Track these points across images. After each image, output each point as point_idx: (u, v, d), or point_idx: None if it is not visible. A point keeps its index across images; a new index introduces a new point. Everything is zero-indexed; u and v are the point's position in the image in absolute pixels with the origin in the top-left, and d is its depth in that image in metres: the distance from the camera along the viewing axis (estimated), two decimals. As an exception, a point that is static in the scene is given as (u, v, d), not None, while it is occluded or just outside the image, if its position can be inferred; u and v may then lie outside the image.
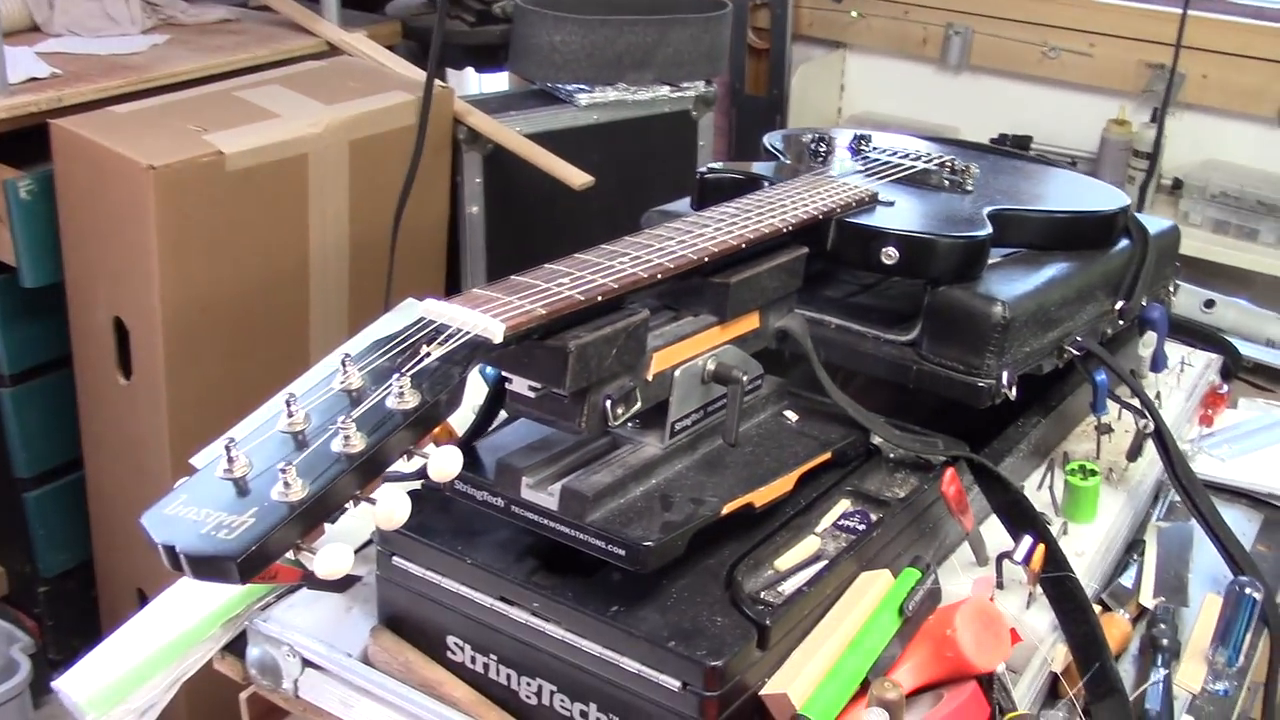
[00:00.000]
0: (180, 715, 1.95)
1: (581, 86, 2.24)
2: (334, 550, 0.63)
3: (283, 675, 1.03)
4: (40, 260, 1.79)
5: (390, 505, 0.66)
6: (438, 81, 2.00)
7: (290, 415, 0.68)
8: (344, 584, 1.07)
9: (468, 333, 0.75)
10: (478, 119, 2.06)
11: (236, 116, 1.78)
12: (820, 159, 1.36)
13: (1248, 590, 1.09)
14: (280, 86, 1.91)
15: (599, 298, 0.83)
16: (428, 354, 0.73)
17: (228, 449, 0.65)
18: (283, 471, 0.63)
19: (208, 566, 0.61)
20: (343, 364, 0.71)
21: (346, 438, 0.66)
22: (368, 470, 0.67)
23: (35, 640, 2.02)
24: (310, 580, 0.72)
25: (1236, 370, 1.62)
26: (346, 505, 0.67)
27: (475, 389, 0.94)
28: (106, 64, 1.92)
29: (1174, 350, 1.55)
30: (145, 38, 2.06)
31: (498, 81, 2.67)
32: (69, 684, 1.01)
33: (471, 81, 2.79)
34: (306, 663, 1.03)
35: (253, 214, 1.75)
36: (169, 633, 1.04)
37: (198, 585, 0.85)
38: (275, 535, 0.62)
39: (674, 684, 0.85)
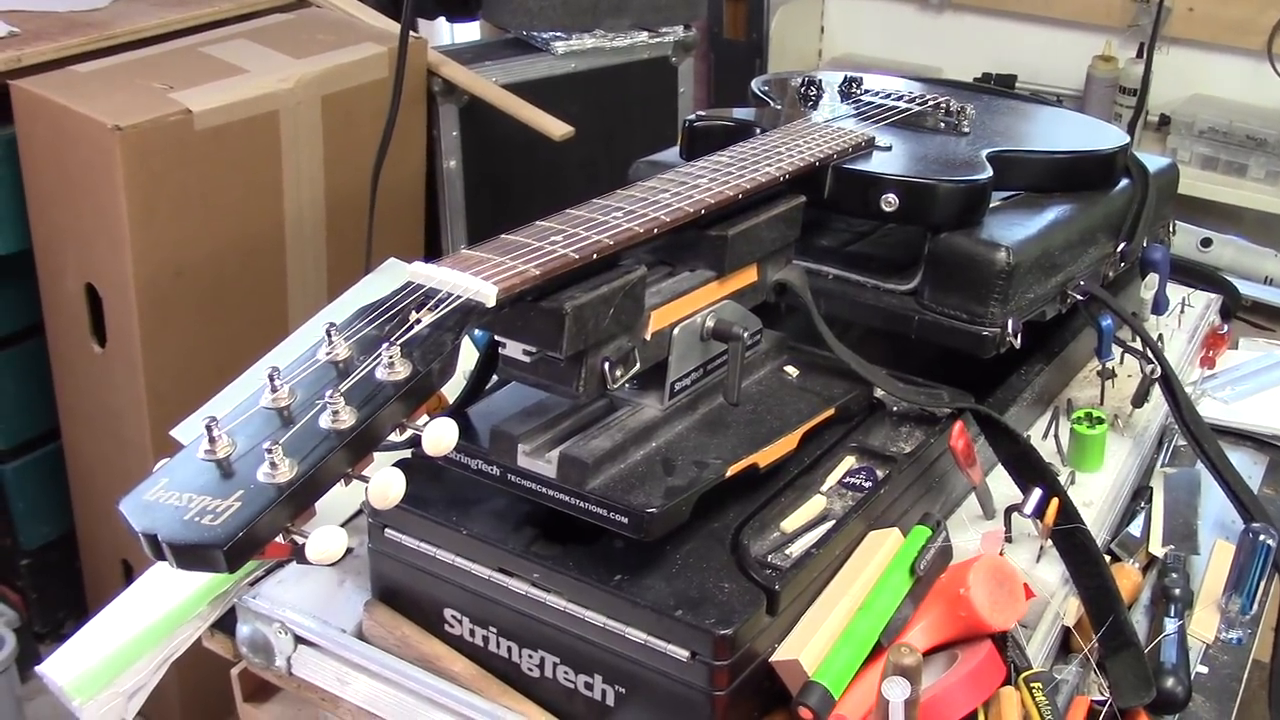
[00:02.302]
0: (171, 692, 1.93)
1: (557, 34, 2.19)
2: (327, 533, 0.60)
3: (275, 653, 1.00)
4: (6, 227, 1.73)
5: (385, 484, 0.62)
6: (410, 33, 1.94)
7: (274, 390, 0.64)
8: (335, 557, 1.04)
9: (459, 297, 0.71)
10: (452, 70, 2.00)
11: (204, 73, 1.72)
12: (810, 103, 1.31)
13: (1262, 537, 1.07)
14: (248, 41, 1.85)
15: (595, 255, 0.79)
16: (418, 320, 0.69)
17: (209, 428, 0.61)
18: (269, 451, 0.59)
19: (192, 555, 0.57)
20: (328, 333, 0.67)
21: (335, 413, 0.62)
22: (359, 446, 0.63)
23: (20, 614, 1.98)
24: (300, 555, 0.68)
25: (1236, 310, 1.59)
26: (338, 484, 0.63)
27: (466, 354, 0.90)
28: (66, 21, 1.85)
29: (1174, 291, 1.52)
30: (106, -8, 1.99)
31: (470, 31, 2.61)
32: (53, 668, 0.98)
33: (444, 32, 2.73)
34: (299, 639, 0.99)
35: (224, 174, 1.70)
36: (155, 612, 1.01)
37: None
38: (264, 519, 0.58)
39: (682, 654, 0.82)
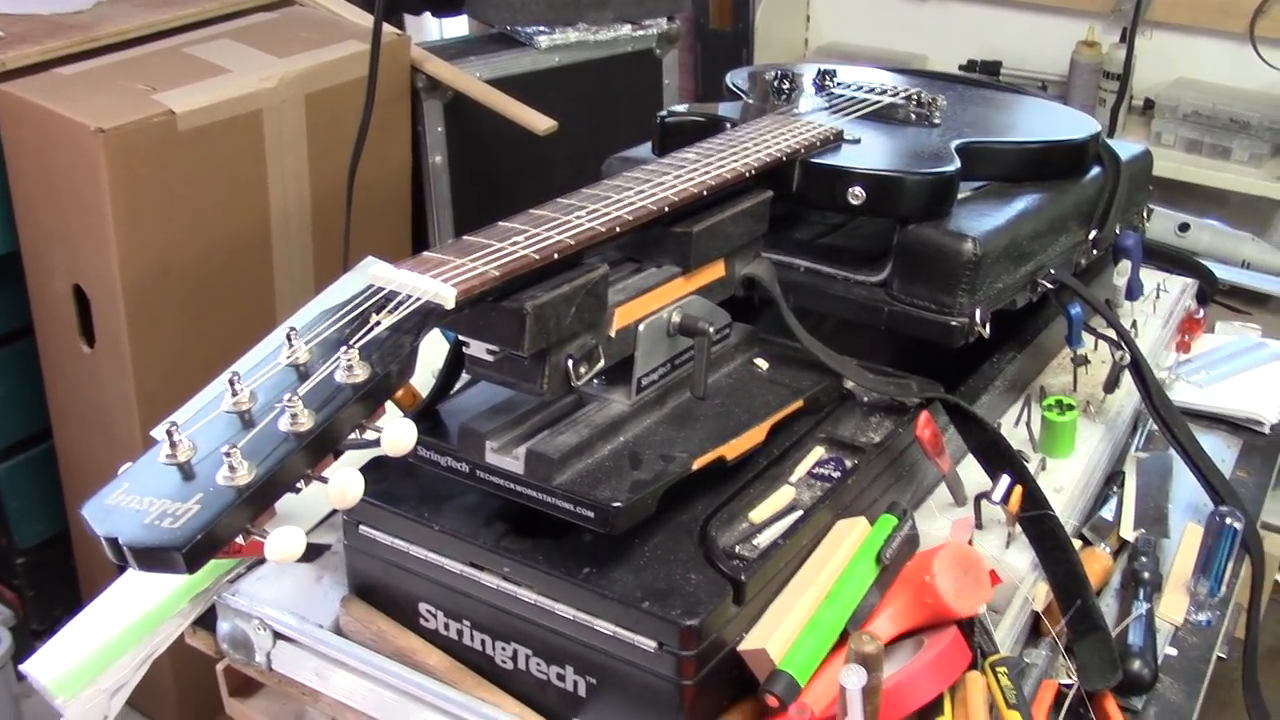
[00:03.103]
0: (167, 687, 1.95)
1: (541, 28, 2.19)
2: (284, 534, 0.61)
3: (254, 649, 1.02)
4: (-8, 229, 1.74)
5: (343, 484, 0.64)
6: (394, 29, 1.95)
7: (235, 394, 0.66)
8: (312, 554, 1.06)
9: (418, 299, 0.72)
10: (436, 66, 2.01)
11: (187, 74, 1.73)
12: (784, 97, 1.32)
13: (1228, 520, 1.08)
14: (231, 41, 1.86)
15: (555, 255, 0.80)
16: (377, 323, 0.70)
17: (170, 433, 0.63)
18: (227, 454, 0.61)
19: (152, 558, 0.58)
20: (288, 338, 0.68)
21: (294, 416, 0.64)
22: (318, 448, 0.64)
23: (16, 612, 2.00)
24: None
25: (1212, 294, 1.61)
26: (298, 485, 0.64)
27: (439, 351, 0.92)
28: (50, 24, 1.86)
29: (1149, 276, 1.53)
30: (89, -5, 2.00)
31: (458, 26, 2.61)
32: (37, 667, 0.99)
33: (431, 27, 2.73)
34: (278, 635, 1.01)
35: (209, 174, 1.71)
36: (136, 610, 1.02)
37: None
38: (222, 522, 0.59)
39: (650, 644, 0.84)
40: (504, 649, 0.93)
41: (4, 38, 1.79)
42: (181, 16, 1.94)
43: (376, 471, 0.96)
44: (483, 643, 0.94)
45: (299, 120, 1.81)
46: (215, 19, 1.96)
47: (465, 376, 0.95)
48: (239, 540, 0.61)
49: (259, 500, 0.61)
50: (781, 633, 0.88)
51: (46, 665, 0.99)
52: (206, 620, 1.05)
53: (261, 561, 1.05)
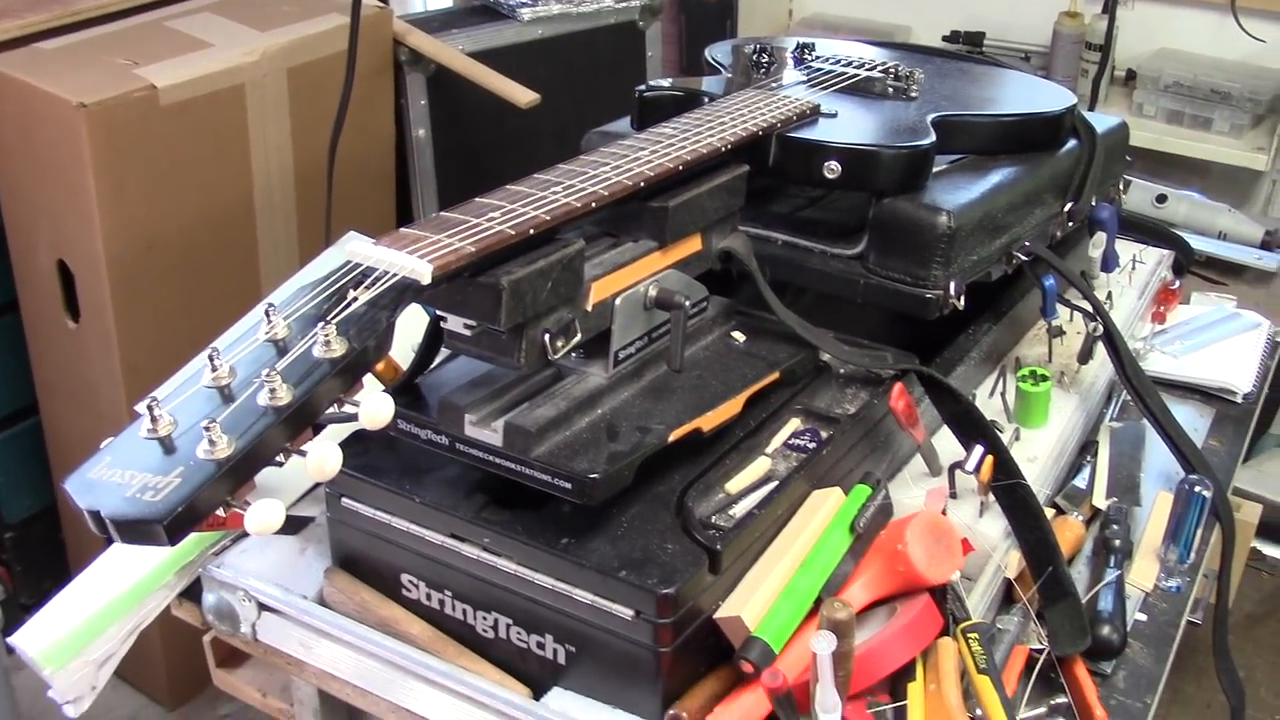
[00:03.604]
0: (157, 660, 1.97)
1: (524, 1, 2.19)
2: (264, 506, 0.62)
3: (240, 620, 1.03)
4: (-24, 205, 1.75)
5: (321, 457, 0.65)
6: (376, 2, 1.95)
7: (214, 369, 0.67)
8: (296, 526, 1.07)
9: (395, 275, 0.73)
10: (418, 39, 2.01)
11: (168, 48, 1.73)
12: (763, 70, 1.33)
13: (1197, 489, 1.10)
14: (212, 14, 1.86)
15: (531, 231, 0.81)
16: (355, 299, 0.71)
17: (150, 408, 0.64)
18: (207, 429, 0.62)
19: (134, 530, 0.60)
20: (267, 314, 0.69)
21: (272, 390, 0.65)
22: (296, 422, 0.65)
23: (6, 586, 2.01)
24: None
25: (1188, 265, 1.62)
26: (278, 459, 0.66)
27: (421, 325, 0.93)
28: (31, -2, 1.86)
29: (1125, 248, 1.54)
30: (70, -31, 2.00)
31: (441, -2, 2.61)
32: (24, 639, 1.01)
33: (414, 0, 2.73)
34: (263, 606, 1.02)
35: (192, 148, 1.71)
36: (123, 582, 1.04)
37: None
38: (203, 494, 0.61)
39: (627, 613, 0.86)
40: (485, 618, 0.94)
41: (-16, 12, 1.79)
42: (163, -10, 1.94)
43: (358, 445, 0.97)
44: (464, 612, 0.95)
45: (281, 94, 1.81)
46: (196, -8, 1.96)
47: (445, 351, 0.96)
48: (219, 513, 0.63)
49: (238, 473, 0.63)
50: (756, 601, 0.89)
51: (34, 637, 1.00)
52: (192, 592, 1.07)
53: (246, 534, 1.06)
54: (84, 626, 1.01)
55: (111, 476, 0.62)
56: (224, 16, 1.85)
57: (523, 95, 1.95)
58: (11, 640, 1.01)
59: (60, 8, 1.83)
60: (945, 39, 2.85)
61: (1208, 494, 1.10)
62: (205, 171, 1.74)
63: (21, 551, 2.06)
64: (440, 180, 2.16)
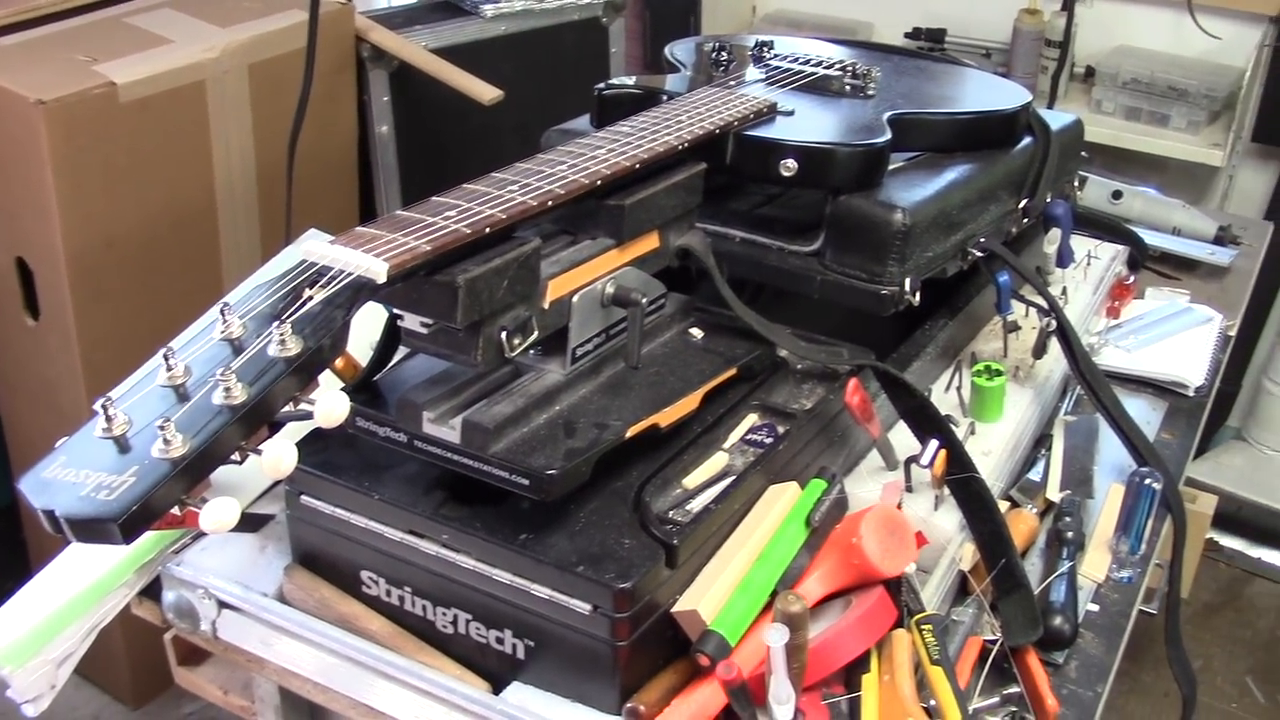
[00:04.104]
0: (120, 659, 1.96)
1: (487, -4, 2.20)
2: (219, 504, 0.63)
3: (200, 618, 1.03)
4: (-66, 202, 1.73)
5: (277, 455, 0.65)
6: (338, -2, 1.95)
7: (169, 369, 0.67)
8: (256, 524, 1.07)
9: (350, 274, 0.74)
10: (381, 35, 2.01)
11: (128, 44, 1.72)
12: (723, 68, 1.34)
13: (1147, 481, 1.12)
14: (172, 10, 1.85)
15: (486, 229, 0.82)
16: (310, 298, 0.72)
17: (105, 407, 0.64)
18: (161, 428, 0.62)
19: (89, 529, 0.60)
20: (222, 313, 0.70)
21: (228, 389, 0.65)
22: (251, 420, 0.66)
23: (-35, 586, 2.00)
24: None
25: (1143, 260, 1.65)
26: (234, 458, 0.66)
27: (379, 323, 0.93)
28: (-12, -6, 1.85)
29: (1081, 244, 1.56)
30: (28, -36, 1.98)
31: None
32: (-18, 638, 1.00)
33: (379, -6, 2.72)
34: (223, 604, 1.02)
35: (152, 145, 1.71)
36: (82, 581, 1.04)
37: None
38: (158, 493, 0.61)
39: (585, 607, 0.86)
40: (444, 614, 0.95)
41: (-59, 8, 1.78)
42: (122, -14, 1.93)
43: (317, 442, 0.97)
44: (423, 608, 0.96)
45: (242, 90, 1.81)
46: (156, -12, 1.95)
47: (404, 349, 0.97)
48: (175, 511, 0.63)
49: (193, 472, 0.63)
50: (713, 595, 0.90)
51: (-8, 636, 1.00)
52: (152, 590, 1.07)
53: (204, 533, 1.06)
54: (43, 625, 1.01)
55: (66, 476, 0.62)
56: (184, 13, 1.85)
57: (486, 91, 1.96)
58: (-31, 640, 1.00)
59: (19, 4, 1.82)
60: (907, 35, 2.86)
61: (1158, 486, 1.12)
62: (166, 168, 1.74)
63: (-18, 550, 2.05)
64: (403, 176, 2.16)
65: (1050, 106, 2.61)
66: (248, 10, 1.88)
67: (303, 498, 0.98)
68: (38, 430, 1.89)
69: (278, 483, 1.08)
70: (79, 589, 1.03)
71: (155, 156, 1.72)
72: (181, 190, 1.78)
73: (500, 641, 0.93)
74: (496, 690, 0.93)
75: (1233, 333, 1.60)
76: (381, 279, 0.74)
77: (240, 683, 1.12)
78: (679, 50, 1.42)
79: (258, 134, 1.85)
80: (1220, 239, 1.78)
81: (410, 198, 2.18)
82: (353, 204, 2.11)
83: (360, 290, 0.73)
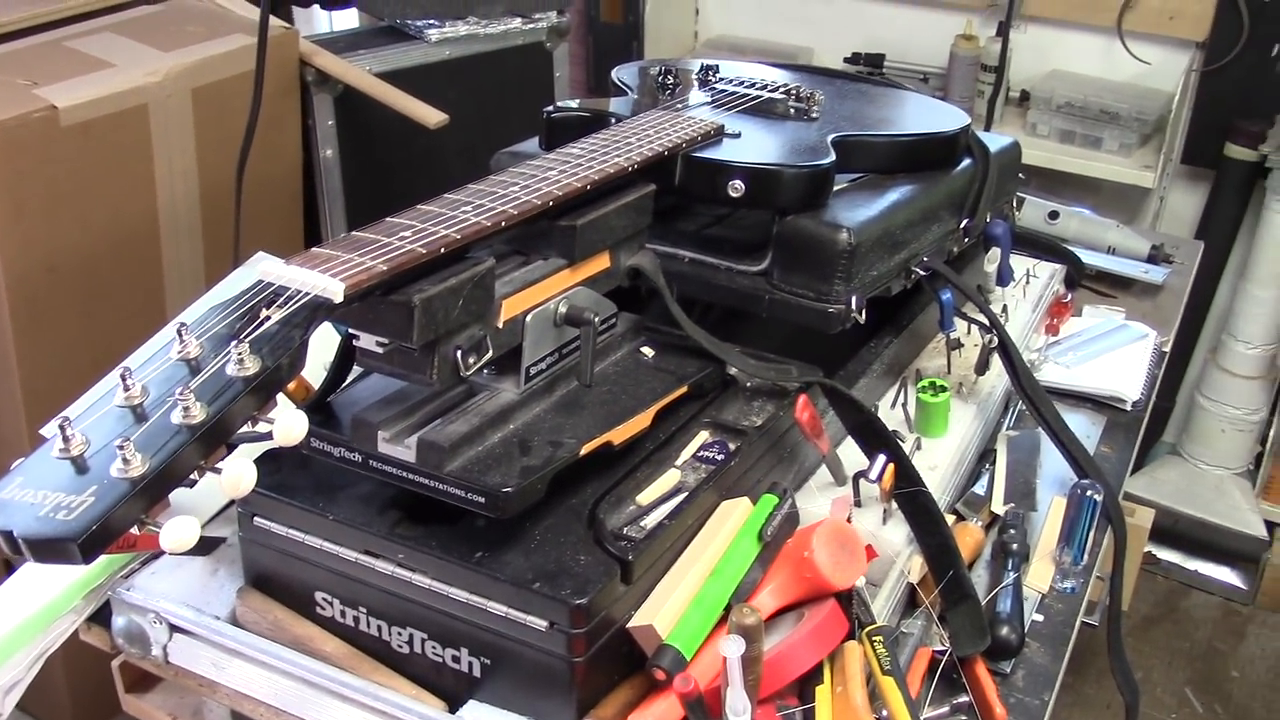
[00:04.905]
0: (60, 689, 1.93)
1: (431, 21, 2.21)
2: (179, 523, 0.63)
3: (151, 642, 1.02)
4: None
5: (236, 474, 0.65)
6: (281, 22, 1.95)
7: (127, 389, 0.67)
8: (208, 547, 1.07)
9: (307, 294, 0.74)
10: (325, 60, 2.01)
11: (69, 68, 1.71)
12: (669, 92, 1.36)
13: (1089, 493, 1.14)
14: (114, 34, 1.84)
15: (441, 250, 0.83)
16: (267, 317, 0.72)
17: (63, 427, 0.64)
18: (120, 448, 0.62)
19: (48, 549, 0.60)
20: (179, 333, 0.70)
21: (186, 409, 0.65)
22: (210, 440, 0.66)
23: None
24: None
25: (1080, 279, 1.68)
26: (192, 476, 0.66)
27: (332, 344, 0.94)
28: (-75, 17, 1.83)
29: (1019, 263, 1.60)
30: (-35, -13, 1.96)
31: (347, 19, 2.61)
32: (-72, 668, 0.99)
33: (321, 20, 2.72)
34: (174, 628, 1.02)
35: (94, 170, 1.69)
36: (29, 608, 1.02)
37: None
38: (117, 513, 0.61)
39: (541, 624, 0.87)
40: (400, 634, 0.95)
41: (-123, 31, 1.75)
42: (63, 9, 1.91)
43: (271, 463, 0.97)
44: (379, 628, 0.96)
45: (186, 115, 1.80)
46: (98, 11, 1.93)
47: (358, 369, 0.97)
48: (134, 531, 0.63)
49: (153, 492, 0.63)
50: (668, 609, 0.91)
51: (-63, 665, 0.98)
52: (101, 616, 1.06)
53: (156, 556, 1.05)
54: (-11, 653, 1.00)
55: (24, 496, 0.62)
56: (126, 36, 1.83)
57: (431, 115, 1.96)
58: (-86, 669, 0.99)
59: (-44, 27, 1.80)
60: (847, 60, 2.91)
61: (1099, 498, 1.15)
62: (108, 192, 1.73)
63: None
64: (348, 200, 2.16)
65: (987, 129, 2.66)
66: (191, 34, 1.87)
67: (256, 519, 0.98)
68: (-24, 458, 1.86)
69: (229, 506, 1.07)
70: (26, 615, 1.02)
71: (97, 181, 1.70)
72: (124, 215, 1.76)
73: (456, 660, 0.93)
74: (453, 709, 0.94)
75: (1167, 349, 1.64)
76: (339, 299, 0.74)
77: (190, 708, 1.11)
78: (625, 74, 1.43)
79: (201, 158, 1.84)
80: (1154, 258, 1.83)
81: (355, 221, 2.19)
82: (298, 227, 2.10)
83: (317, 310, 0.74)
